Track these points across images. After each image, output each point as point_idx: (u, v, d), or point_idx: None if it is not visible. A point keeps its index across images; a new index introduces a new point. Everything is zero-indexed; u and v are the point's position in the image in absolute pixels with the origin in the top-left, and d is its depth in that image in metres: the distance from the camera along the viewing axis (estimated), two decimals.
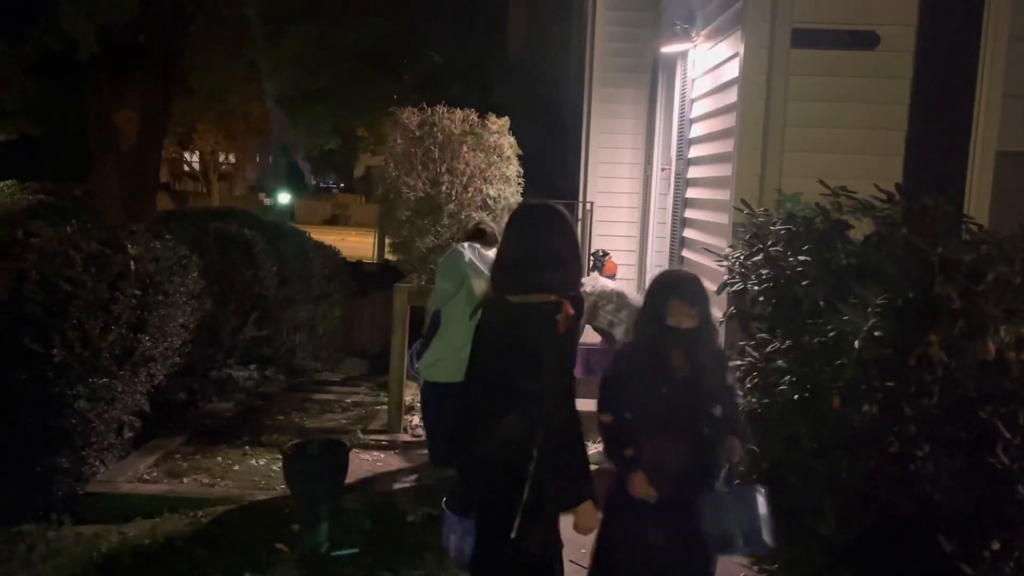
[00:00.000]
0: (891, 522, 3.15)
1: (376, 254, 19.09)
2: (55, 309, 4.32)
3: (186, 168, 28.86)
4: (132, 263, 4.76)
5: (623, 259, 8.72)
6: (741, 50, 4.85)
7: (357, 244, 20.00)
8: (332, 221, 33.18)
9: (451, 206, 6.08)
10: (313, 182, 38.31)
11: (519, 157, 6.56)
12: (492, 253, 4.18)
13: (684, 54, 6.56)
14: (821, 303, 3.44)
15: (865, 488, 3.13)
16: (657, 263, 7.88)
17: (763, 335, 3.79)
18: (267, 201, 29.98)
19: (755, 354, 3.78)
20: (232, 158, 28.18)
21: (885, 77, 4.66)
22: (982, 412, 2.99)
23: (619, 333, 5.83)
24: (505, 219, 6.58)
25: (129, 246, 4.84)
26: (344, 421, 6.41)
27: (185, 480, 5.02)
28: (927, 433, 3.00)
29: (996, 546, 2.89)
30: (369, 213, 31.57)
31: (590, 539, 4.20)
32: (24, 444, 4.36)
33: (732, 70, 5.09)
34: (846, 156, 4.63)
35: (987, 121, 4.48)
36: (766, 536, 2.80)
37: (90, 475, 4.78)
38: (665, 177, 7.60)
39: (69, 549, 4.22)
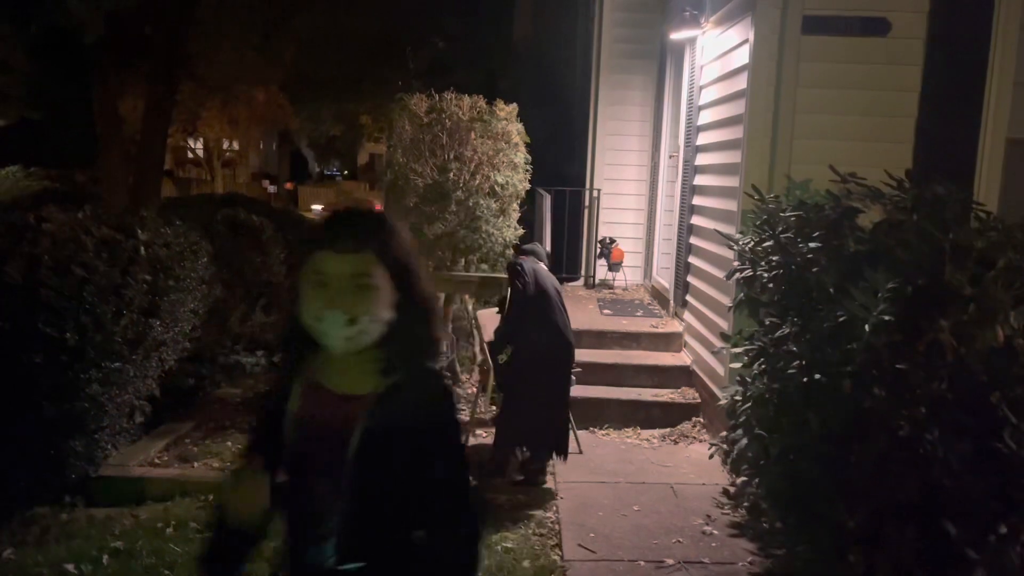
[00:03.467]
0: (899, 506, 3.17)
1: None
2: (68, 293, 4.35)
3: (190, 155, 28.81)
4: (143, 248, 4.79)
5: (630, 246, 8.75)
6: (751, 36, 4.84)
7: None
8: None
9: (459, 193, 6.10)
10: (317, 169, 38.27)
11: (527, 144, 6.57)
12: None
13: (692, 40, 6.55)
14: (832, 289, 3.45)
15: (874, 472, 3.15)
16: (665, 250, 7.89)
17: (773, 320, 3.81)
18: (271, 188, 29.95)
19: (764, 339, 3.80)
20: (236, 145, 28.16)
21: (896, 64, 4.66)
22: (991, 397, 3.01)
23: None
24: (513, 206, 6.62)
25: (140, 231, 4.86)
26: None
27: (196, 465, 5.06)
28: (937, 418, 3.02)
29: (1003, 530, 2.92)
30: (373, 200, 31.54)
31: (598, 524, 4.25)
32: (39, 427, 4.39)
33: (742, 57, 5.09)
34: (856, 143, 4.64)
35: (998, 108, 4.48)
36: None
37: (102, 459, 4.82)
38: (673, 164, 7.60)
39: (83, 531, 4.27)
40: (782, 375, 3.59)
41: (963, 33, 4.56)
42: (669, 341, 6.63)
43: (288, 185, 31.63)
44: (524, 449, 4.94)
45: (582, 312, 7.36)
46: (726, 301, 5.16)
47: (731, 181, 5.24)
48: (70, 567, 3.89)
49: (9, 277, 4.29)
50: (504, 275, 5.40)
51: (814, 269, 3.57)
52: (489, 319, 5.64)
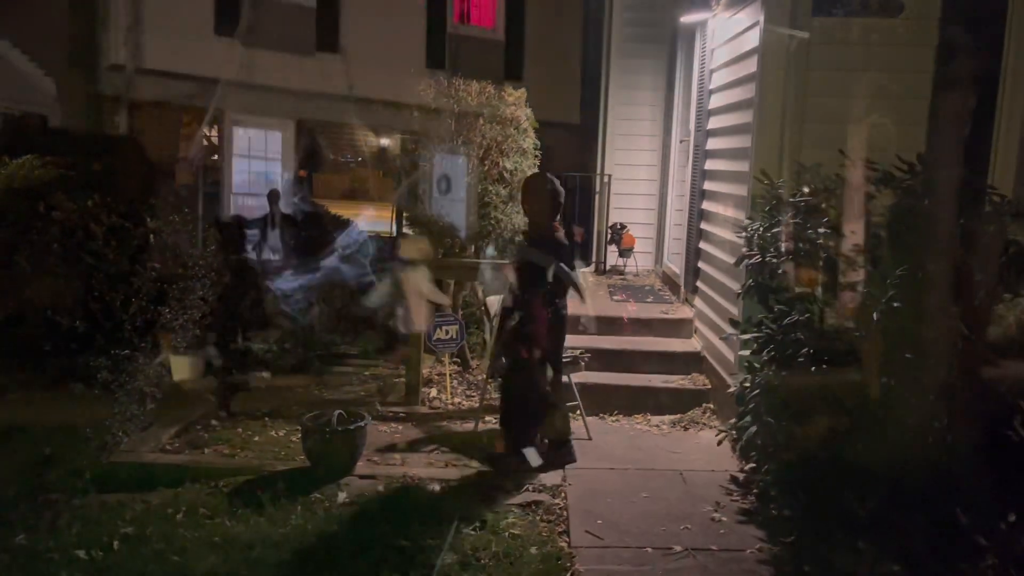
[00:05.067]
0: (908, 494, 3.15)
1: (394, 228, 19.09)
2: (77, 281, 4.37)
3: (205, 143, 28.97)
4: (152, 236, 4.81)
5: (641, 232, 8.70)
6: (761, 19, 4.78)
7: (375, 218, 20.01)
8: (350, 195, 33.16)
9: (467, 179, 6.08)
10: (331, 157, 38.29)
11: (535, 129, 6.54)
12: None
13: (703, 24, 6.48)
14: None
15: (883, 460, 3.13)
16: (676, 236, 7.84)
17: (781, 307, 3.78)
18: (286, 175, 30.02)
19: (773, 326, 3.77)
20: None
21: (908, 45, 4.57)
22: (1001, 385, 2.98)
23: None
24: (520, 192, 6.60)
25: (149, 219, 4.88)
26: (363, 393, 6.45)
27: (206, 451, 5.08)
28: (946, 405, 2.99)
29: (1012, 518, 2.88)
30: (387, 187, 31.53)
31: (606, 511, 4.24)
32: (49, 414, 4.43)
33: (752, 39, 5.02)
34: (868, 127, 4.56)
35: (1013, 91, 4.40)
36: None
37: (113, 445, 4.86)
38: (684, 149, 7.54)
39: (94, 517, 4.30)
40: (790, 363, 3.57)
41: (977, 12, 4.47)
42: (679, 327, 6.60)
43: (302, 172, 31.66)
44: (544, 439, 4.93)
45: (592, 298, 7.34)
46: (736, 287, 5.12)
47: (741, 166, 5.19)
48: (81, 552, 3.92)
49: (18, 266, 4.32)
50: (505, 261, 5.39)
51: (823, 255, 3.54)
52: (498, 305, 5.63)
